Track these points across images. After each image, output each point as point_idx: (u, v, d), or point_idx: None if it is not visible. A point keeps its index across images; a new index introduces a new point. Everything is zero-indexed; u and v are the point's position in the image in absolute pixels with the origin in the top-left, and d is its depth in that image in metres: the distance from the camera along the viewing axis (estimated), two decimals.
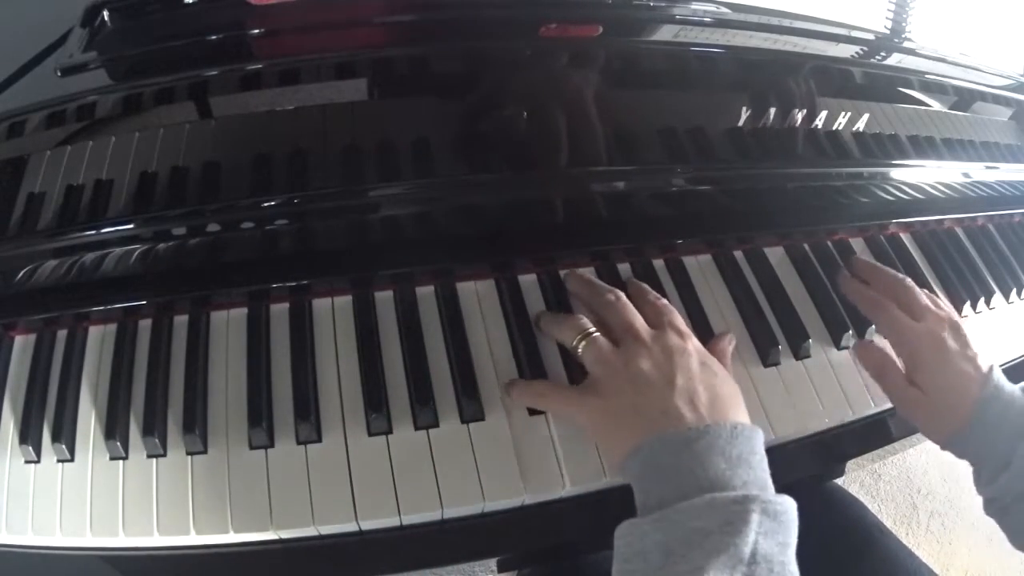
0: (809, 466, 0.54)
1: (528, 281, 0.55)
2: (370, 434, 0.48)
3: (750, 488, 0.38)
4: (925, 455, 1.48)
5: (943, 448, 0.50)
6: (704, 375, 0.44)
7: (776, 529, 0.36)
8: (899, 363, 0.53)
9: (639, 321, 0.47)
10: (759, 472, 0.39)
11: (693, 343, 0.47)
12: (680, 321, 0.49)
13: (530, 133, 0.53)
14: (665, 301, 0.51)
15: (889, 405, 0.54)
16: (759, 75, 0.56)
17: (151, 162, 0.48)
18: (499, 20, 0.52)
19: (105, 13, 0.48)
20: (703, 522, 0.35)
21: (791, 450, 0.52)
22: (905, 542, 0.61)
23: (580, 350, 0.47)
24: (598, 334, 0.47)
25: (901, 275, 0.56)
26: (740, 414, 0.43)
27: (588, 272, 0.56)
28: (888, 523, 0.64)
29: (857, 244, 0.65)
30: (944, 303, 0.55)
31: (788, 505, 0.37)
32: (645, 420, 0.42)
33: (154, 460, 0.46)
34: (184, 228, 0.50)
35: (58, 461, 0.47)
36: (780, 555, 0.36)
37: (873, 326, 0.57)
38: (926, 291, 0.55)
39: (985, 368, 0.49)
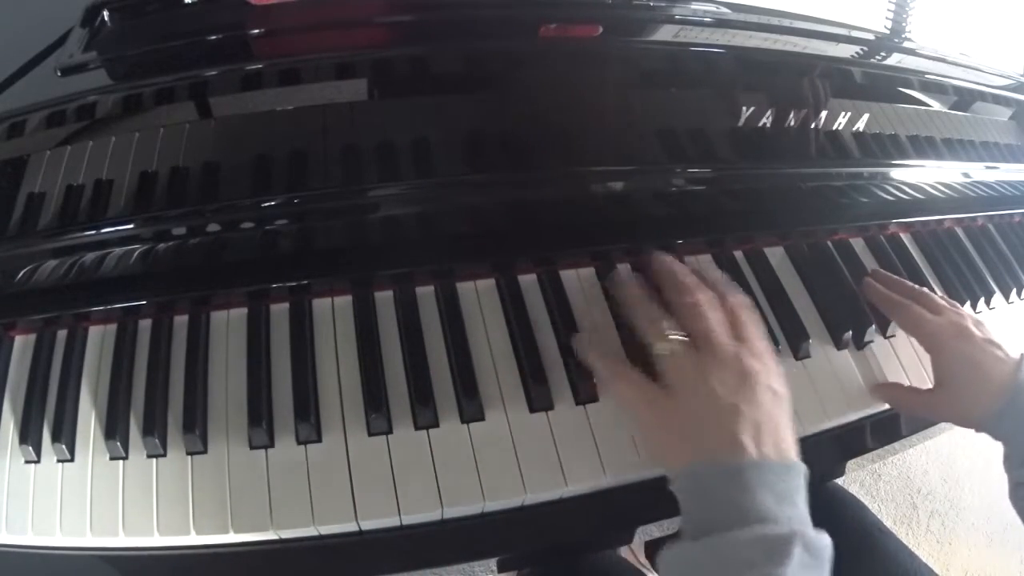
0: (810, 466, 0.54)
1: (528, 281, 0.55)
2: (370, 434, 0.48)
3: (794, 524, 0.39)
4: (925, 455, 1.49)
5: (978, 431, 0.51)
6: (771, 407, 0.44)
7: (814, 564, 0.38)
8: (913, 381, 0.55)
9: (719, 334, 0.46)
10: (801, 508, 0.41)
11: (767, 363, 0.46)
12: (759, 337, 0.47)
13: (530, 133, 0.53)
14: (748, 306, 0.49)
15: (884, 407, 0.55)
16: (759, 75, 0.56)
17: (151, 162, 0.48)
18: (499, 20, 0.52)
19: (105, 13, 0.48)
20: (751, 553, 0.37)
21: None
22: (905, 542, 0.61)
23: (660, 351, 0.46)
24: (678, 340, 0.46)
25: (916, 285, 0.58)
26: (792, 448, 0.44)
27: (588, 271, 0.56)
28: (888, 523, 0.64)
29: (857, 244, 0.65)
30: (962, 307, 0.56)
31: (827, 543, 0.39)
32: (706, 441, 0.42)
33: (154, 460, 0.46)
34: (184, 228, 0.50)
35: (58, 461, 0.47)
36: None
37: (872, 326, 0.57)
38: (946, 298, 0.57)
39: (1013, 354, 0.51)
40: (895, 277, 0.60)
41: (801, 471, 0.42)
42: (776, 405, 0.44)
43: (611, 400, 0.50)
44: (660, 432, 0.45)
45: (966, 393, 0.51)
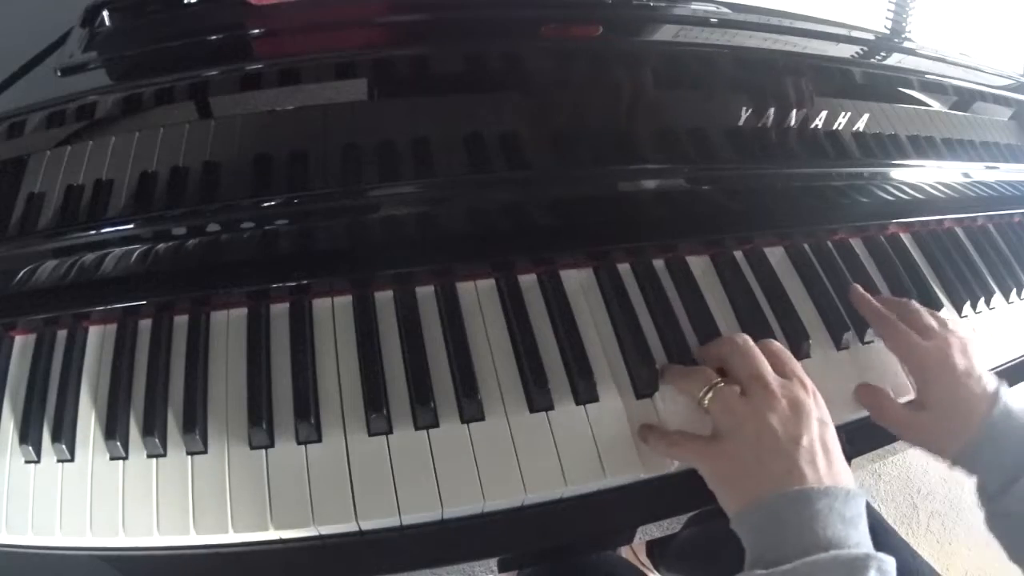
0: None
1: (528, 281, 0.55)
2: (370, 434, 0.48)
3: (862, 547, 0.40)
4: (925, 455, 1.48)
5: (952, 465, 0.51)
6: (824, 435, 0.45)
7: None
8: (894, 393, 0.54)
9: (767, 370, 0.47)
10: (865, 532, 0.42)
11: (816, 398, 0.47)
12: (802, 371, 0.49)
13: (529, 133, 0.53)
14: (783, 348, 0.51)
15: (867, 412, 0.54)
16: (759, 75, 0.56)
17: (151, 162, 0.48)
18: (499, 20, 0.52)
19: (105, 13, 0.48)
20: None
21: None
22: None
23: (707, 402, 0.47)
24: (724, 384, 0.47)
25: (905, 300, 0.57)
26: (850, 477, 0.45)
27: (588, 271, 0.56)
28: (888, 523, 0.64)
29: (857, 244, 0.65)
30: (952, 323, 0.55)
31: (894, 565, 0.40)
32: (769, 475, 0.43)
33: (154, 460, 0.46)
34: (184, 228, 0.50)
35: (58, 461, 0.47)
36: None
37: (872, 328, 0.57)
38: (937, 314, 0.56)
39: (992, 386, 0.50)
40: (881, 297, 0.59)
41: (861, 497, 0.43)
42: (828, 434, 0.45)
43: (611, 400, 0.50)
44: (725, 478, 0.45)
45: (942, 426, 0.50)
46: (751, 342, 0.49)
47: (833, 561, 0.39)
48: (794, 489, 0.42)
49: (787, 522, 0.41)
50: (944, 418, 0.50)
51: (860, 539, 0.41)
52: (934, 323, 0.54)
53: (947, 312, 0.62)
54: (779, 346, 0.50)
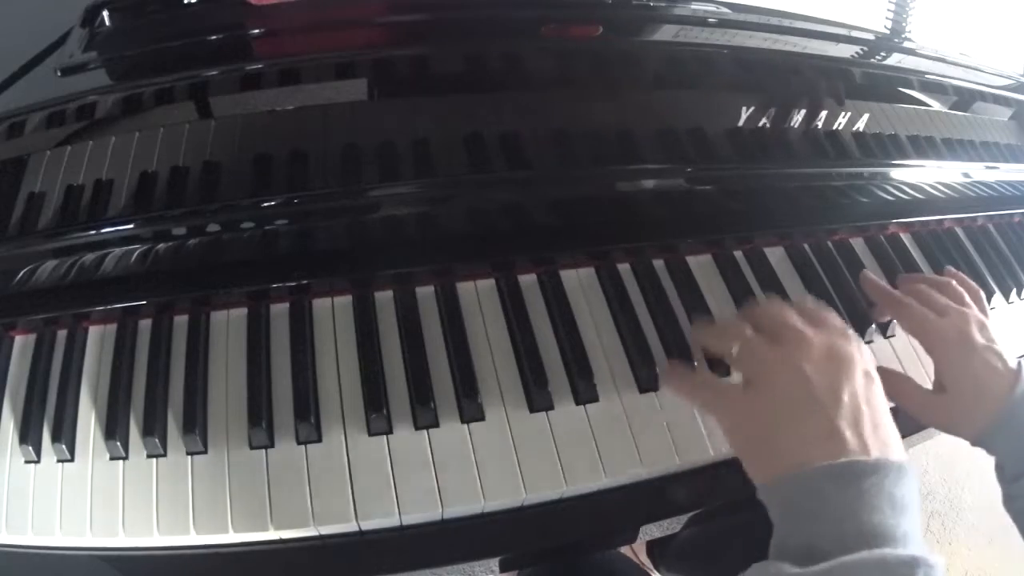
0: None
1: (528, 281, 0.55)
2: (370, 434, 0.48)
3: (910, 541, 0.35)
4: (925, 455, 1.48)
5: (973, 444, 0.49)
6: (870, 392, 0.39)
7: None
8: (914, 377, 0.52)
9: (796, 317, 0.42)
10: (916, 519, 0.36)
11: (861, 348, 0.41)
12: (843, 324, 0.44)
13: (529, 133, 0.53)
14: (824, 306, 0.46)
15: (891, 405, 0.53)
16: (759, 75, 0.56)
17: (151, 162, 0.48)
18: (499, 20, 0.52)
19: (105, 13, 0.48)
20: None
21: None
22: None
23: (735, 353, 0.43)
24: (754, 334, 0.42)
25: (918, 276, 0.56)
26: (900, 447, 0.38)
27: (588, 271, 0.56)
28: None
29: (857, 244, 0.65)
30: (969, 300, 0.53)
31: (943, 569, 0.34)
32: (804, 437, 0.37)
33: (154, 460, 0.46)
34: (184, 228, 0.50)
35: (58, 461, 0.47)
36: None
37: (872, 326, 0.57)
38: (951, 284, 0.54)
39: (1013, 363, 0.48)
40: (885, 287, 0.57)
41: (912, 473, 0.36)
42: (874, 391, 0.40)
43: (611, 400, 0.50)
44: (751, 436, 0.40)
45: (963, 405, 0.48)
46: (778, 299, 0.44)
47: (876, 565, 0.33)
48: (839, 461, 0.35)
49: (826, 502, 0.35)
50: (965, 398, 0.48)
51: (908, 529, 0.35)
52: (950, 300, 0.52)
53: None
54: (814, 302, 0.46)
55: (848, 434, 0.36)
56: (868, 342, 0.58)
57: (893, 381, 0.51)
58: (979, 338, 0.49)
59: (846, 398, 0.37)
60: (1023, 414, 0.47)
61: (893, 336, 0.59)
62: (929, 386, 0.52)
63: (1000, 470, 0.49)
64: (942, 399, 0.49)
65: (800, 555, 0.34)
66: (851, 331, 0.42)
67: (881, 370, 0.51)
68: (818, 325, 0.42)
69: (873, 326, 0.57)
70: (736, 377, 0.45)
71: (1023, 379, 0.48)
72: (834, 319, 0.44)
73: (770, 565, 0.35)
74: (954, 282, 0.55)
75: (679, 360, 0.47)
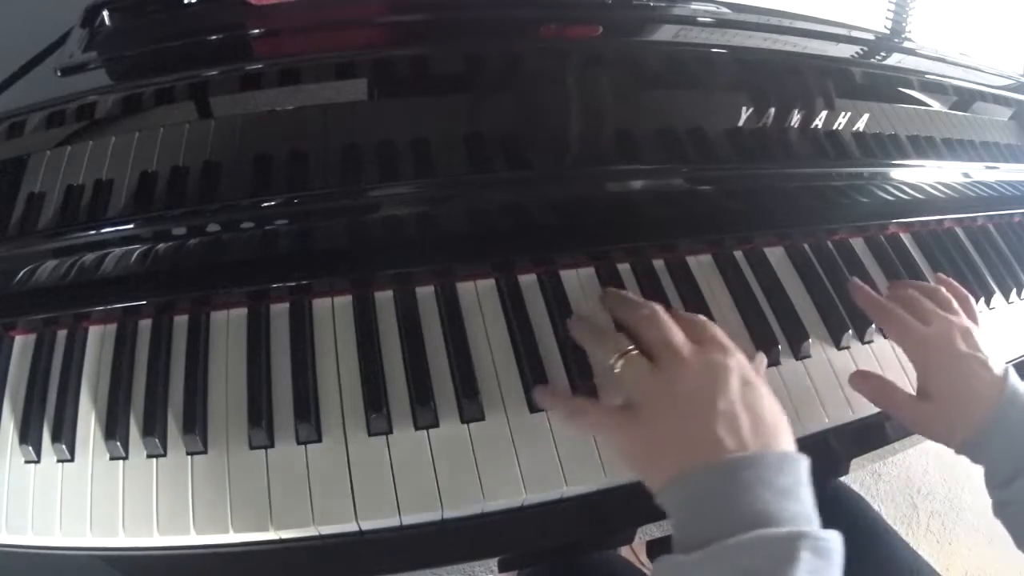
0: (812, 464, 0.53)
1: (528, 281, 0.55)
2: (370, 434, 0.48)
3: (798, 522, 0.36)
4: (925, 455, 1.48)
5: (958, 453, 0.49)
6: (746, 395, 0.41)
7: (823, 567, 0.34)
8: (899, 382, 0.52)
9: (678, 336, 0.44)
10: (806, 503, 0.37)
11: (737, 359, 0.43)
12: (721, 334, 0.45)
13: (529, 133, 0.53)
14: (704, 317, 0.47)
15: (867, 399, 0.53)
16: (759, 75, 0.56)
17: (151, 162, 0.48)
18: (499, 20, 0.52)
19: (105, 13, 0.48)
20: (751, 560, 0.34)
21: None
22: None
23: (617, 369, 0.44)
24: (636, 352, 0.44)
25: (905, 283, 0.55)
26: (787, 440, 0.40)
27: (588, 271, 0.56)
28: (888, 523, 0.64)
29: (857, 244, 0.65)
30: (957, 306, 0.53)
31: (836, 543, 0.36)
32: (686, 447, 0.39)
33: (154, 460, 0.46)
34: (184, 228, 0.50)
35: (58, 461, 0.47)
36: None
37: (872, 326, 0.57)
38: (939, 291, 0.54)
39: (999, 371, 0.48)
40: (872, 294, 0.56)
41: (800, 462, 0.39)
42: (753, 394, 0.41)
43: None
44: (640, 455, 0.42)
45: (946, 413, 0.48)
46: (662, 312, 0.45)
47: (755, 542, 0.34)
48: (714, 460, 0.37)
49: (708, 498, 0.37)
50: (948, 406, 0.48)
51: (799, 511, 0.36)
52: (936, 307, 0.52)
53: None
54: (693, 315, 0.47)
55: (726, 437, 0.38)
56: (868, 342, 0.58)
57: (878, 386, 0.51)
58: (963, 346, 0.49)
59: (722, 406, 0.39)
60: (1008, 421, 0.46)
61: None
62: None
63: (989, 479, 0.48)
64: (926, 406, 0.49)
65: (694, 547, 0.35)
66: (728, 343, 0.44)
67: (866, 375, 0.52)
68: (698, 341, 0.44)
69: (873, 326, 0.57)
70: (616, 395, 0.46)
71: (1008, 387, 0.47)
72: (713, 332, 0.45)
73: (667, 559, 0.37)
74: (943, 289, 0.55)
75: (554, 388, 0.48)
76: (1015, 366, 0.63)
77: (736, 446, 0.38)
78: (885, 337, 0.59)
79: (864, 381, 0.52)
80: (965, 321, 0.52)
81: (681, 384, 0.41)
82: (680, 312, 0.47)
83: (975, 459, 0.48)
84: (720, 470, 0.37)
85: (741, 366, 0.42)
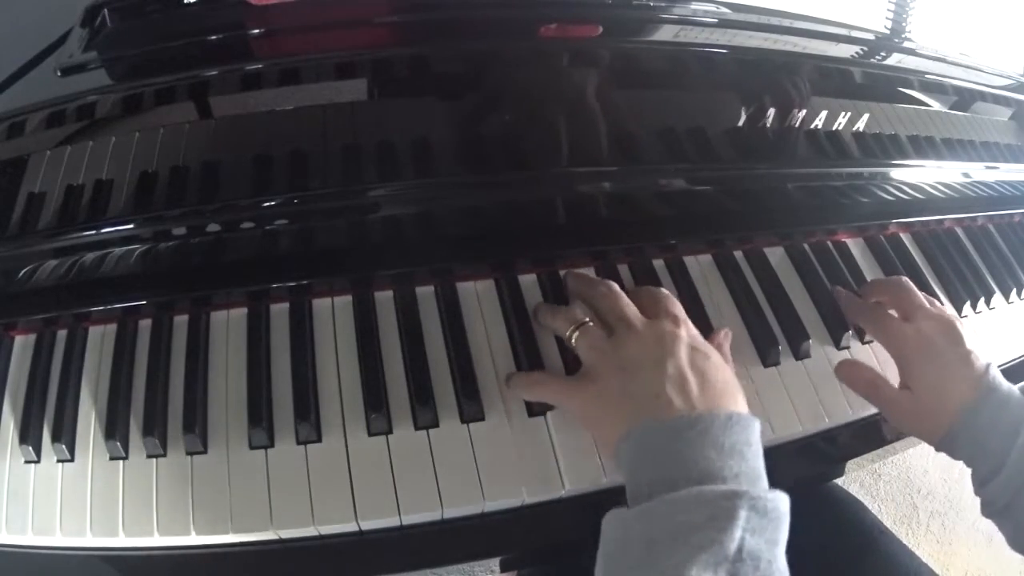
0: (809, 466, 0.54)
1: (528, 281, 0.55)
2: (370, 434, 0.48)
3: (741, 481, 0.37)
4: (925, 455, 1.48)
5: (937, 450, 0.49)
6: (695, 360, 0.43)
7: (765, 526, 0.35)
8: (885, 375, 0.52)
9: (631, 309, 0.47)
10: (752, 463, 0.38)
11: (687, 329, 0.46)
12: (677, 307, 0.48)
13: (530, 133, 0.53)
14: (664, 290, 0.50)
15: (853, 390, 0.53)
16: (759, 75, 0.56)
17: (151, 162, 0.48)
18: (499, 20, 0.52)
19: (105, 13, 0.48)
20: (689, 516, 0.34)
21: (791, 450, 0.52)
22: (905, 542, 0.61)
23: (574, 340, 0.47)
24: (591, 323, 0.47)
25: (893, 278, 0.56)
26: (735, 402, 0.42)
27: (588, 271, 0.56)
28: (888, 523, 0.64)
29: (857, 244, 0.65)
30: (940, 305, 0.54)
31: (779, 502, 0.36)
32: (635, 405, 0.41)
33: (154, 460, 0.46)
34: (184, 228, 0.50)
35: (58, 461, 0.47)
36: (767, 552, 0.34)
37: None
38: (924, 293, 0.54)
39: (980, 366, 0.48)
40: (854, 298, 0.57)
41: (749, 423, 0.39)
42: (699, 359, 0.43)
43: None
44: (593, 417, 0.44)
45: (925, 409, 0.48)
46: (617, 288, 0.48)
47: (693, 498, 0.35)
48: (661, 417, 0.39)
49: (654, 454, 0.38)
50: (926, 402, 0.48)
51: (743, 470, 0.37)
52: (921, 303, 0.52)
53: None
54: (652, 289, 0.49)
55: (674, 398, 0.40)
56: (868, 342, 0.58)
57: (868, 379, 0.52)
58: (943, 342, 0.49)
59: (671, 369, 0.41)
60: (984, 415, 0.46)
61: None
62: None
63: (972, 478, 0.48)
64: (907, 402, 0.50)
65: (635, 500, 0.37)
66: (681, 314, 0.47)
67: (856, 365, 0.52)
68: (652, 315, 0.46)
69: (855, 320, 0.57)
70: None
71: (985, 379, 0.47)
72: (668, 304, 0.47)
73: (613, 512, 0.38)
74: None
75: (523, 372, 0.50)
76: (1015, 366, 0.64)
77: (684, 406, 0.39)
78: (864, 342, 0.58)
79: (853, 371, 0.52)
80: (947, 315, 0.51)
81: (631, 349, 0.43)
82: (639, 288, 0.50)
83: (953, 456, 0.49)
84: (666, 428, 0.39)
85: (691, 335, 0.45)
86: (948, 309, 0.53)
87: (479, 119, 0.52)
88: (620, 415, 0.42)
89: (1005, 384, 0.48)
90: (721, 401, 0.41)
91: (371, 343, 0.51)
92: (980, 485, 0.47)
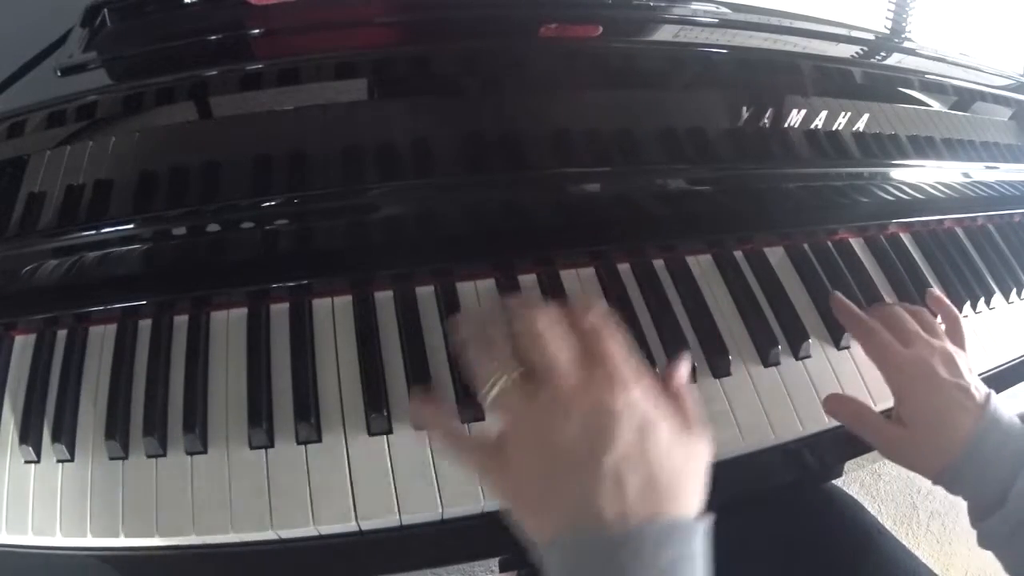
0: (808, 466, 0.54)
1: (528, 281, 0.55)
2: (370, 434, 0.48)
3: None
4: None
5: (934, 483, 0.47)
6: (640, 448, 0.33)
7: None
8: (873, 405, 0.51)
9: (563, 360, 0.35)
10: (696, 573, 0.32)
11: (631, 396, 0.35)
12: (618, 352, 0.36)
13: (530, 133, 0.53)
14: (601, 319, 0.38)
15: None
16: (759, 75, 0.56)
17: (151, 162, 0.48)
18: (499, 20, 0.52)
19: (105, 13, 0.48)
20: None
21: (790, 450, 0.52)
22: (905, 542, 0.61)
23: (488, 400, 0.36)
24: (507, 379, 0.36)
25: (890, 304, 0.53)
26: (684, 500, 0.34)
27: (588, 271, 0.56)
28: (888, 523, 0.64)
29: (857, 244, 0.65)
30: (942, 330, 0.52)
31: None
32: (561, 506, 0.33)
33: (154, 460, 0.46)
34: (184, 228, 0.50)
35: (58, 461, 0.47)
36: None
37: None
38: (924, 312, 0.53)
39: (980, 398, 0.46)
40: (853, 309, 0.55)
41: (690, 531, 0.33)
42: (648, 444, 0.34)
43: None
44: (512, 502, 0.36)
45: (922, 442, 0.46)
46: (545, 322, 0.36)
47: None
48: (589, 534, 0.32)
49: (584, 574, 0.32)
50: (923, 436, 0.46)
51: None
52: (918, 330, 0.50)
53: None
54: (596, 313, 0.38)
55: (606, 506, 0.32)
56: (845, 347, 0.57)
57: (855, 411, 0.50)
58: (943, 372, 0.47)
59: (607, 464, 0.33)
60: (987, 448, 0.45)
61: None
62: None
63: (971, 513, 0.47)
64: (901, 434, 0.47)
65: None
66: (623, 370, 0.35)
67: (843, 399, 0.50)
68: (593, 364, 0.36)
69: (851, 335, 0.57)
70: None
71: (988, 412, 0.45)
72: (606, 348, 0.36)
73: None
74: (926, 312, 0.53)
75: (427, 399, 0.42)
76: (1015, 366, 0.63)
77: (617, 515, 0.32)
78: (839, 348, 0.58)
79: (840, 405, 0.50)
80: (949, 346, 0.50)
81: (560, 424, 0.34)
82: (576, 309, 0.38)
83: (951, 490, 0.47)
84: (595, 549, 0.32)
85: (636, 405, 0.35)
86: (945, 338, 0.51)
87: (479, 119, 0.52)
88: (543, 511, 0.34)
89: (1006, 416, 0.46)
90: (664, 503, 0.33)
91: (371, 343, 0.51)
92: (979, 519, 0.46)
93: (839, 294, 0.56)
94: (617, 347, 0.37)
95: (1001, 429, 0.45)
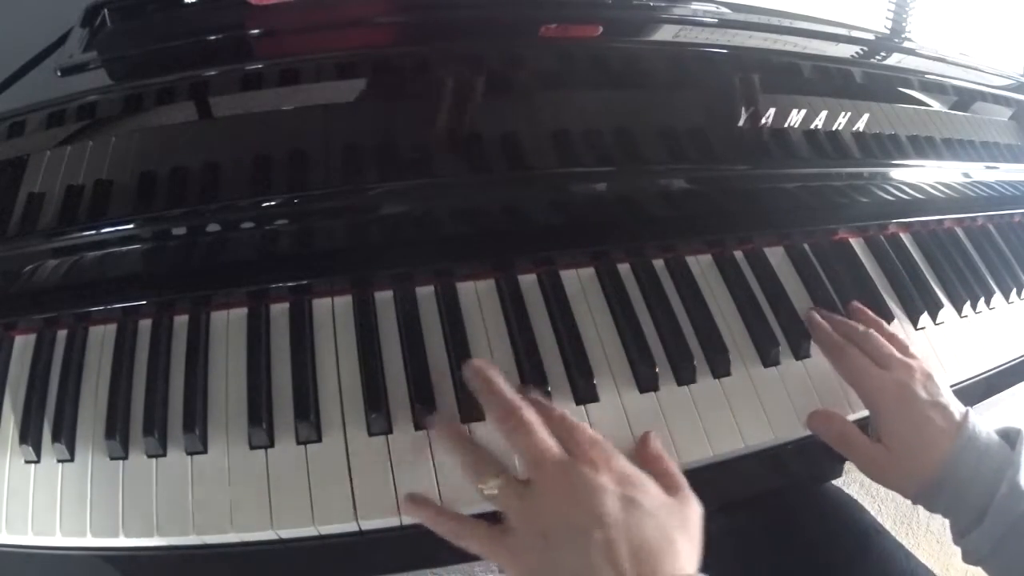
0: (808, 466, 0.54)
1: (528, 281, 0.55)
2: (370, 434, 0.48)
3: None
4: None
5: (914, 503, 0.48)
6: (627, 517, 0.36)
7: None
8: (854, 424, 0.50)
9: (549, 452, 0.40)
10: None
11: (612, 472, 0.39)
12: (593, 441, 0.41)
13: (530, 133, 0.53)
14: (569, 418, 0.43)
15: (824, 439, 0.52)
16: (759, 75, 0.56)
17: (151, 162, 0.48)
18: (499, 20, 0.52)
19: (105, 13, 0.48)
20: None
21: (790, 451, 0.52)
22: (905, 542, 0.61)
23: (484, 494, 0.41)
24: (500, 481, 0.40)
25: (863, 327, 0.53)
26: (672, 561, 0.36)
27: (588, 271, 0.56)
28: (888, 523, 0.65)
29: (857, 244, 0.65)
30: (915, 349, 0.52)
31: None
32: None
33: (154, 460, 0.46)
34: (184, 228, 0.50)
35: (58, 461, 0.47)
36: None
37: None
38: (897, 337, 0.53)
39: (958, 416, 0.47)
40: (838, 318, 0.55)
41: None
42: (634, 515, 0.37)
43: (611, 400, 0.50)
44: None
45: (900, 462, 0.47)
46: (528, 416, 0.41)
47: None
48: None
49: None
50: (901, 455, 0.47)
51: None
52: (894, 350, 0.51)
53: (947, 312, 0.62)
54: (562, 416, 0.42)
55: (603, 573, 0.35)
56: None
57: (839, 430, 0.50)
58: (922, 392, 0.48)
59: (597, 537, 0.36)
60: (964, 467, 0.45)
61: None
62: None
63: (951, 528, 0.47)
64: (881, 454, 0.48)
65: None
66: (601, 451, 0.40)
67: (829, 416, 0.51)
68: (572, 454, 0.40)
69: (824, 354, 0.57)
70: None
71: (965, 430, 0.46)
72: (587, 438, 0.41)
73: None
74: (894, 333, 0.53)
75: (416, 499, 0.44)
76: (1015, 366, 0.64)
77: None
78: None
79: (825, 423, 0.51)
80: (924, 365, 0.50)
81: (550, 512, 0.38)
82: (553, 411, 0.43)
83: (930, 508, 0.47)
84: None
85: (619, 479, 0.39)
86: (921, 358, 0.51)
87: (479, 119, 0.52)
88: None
89: (983, 433, 0.46)
90: (657, 565, 0.36)
91: (371, 343, 0.51)
92: (960, 535, 0.46)
93: (815, 313, 0.56)
94: (587, 431, 0.41)
95: (978, 447, 0.45)
